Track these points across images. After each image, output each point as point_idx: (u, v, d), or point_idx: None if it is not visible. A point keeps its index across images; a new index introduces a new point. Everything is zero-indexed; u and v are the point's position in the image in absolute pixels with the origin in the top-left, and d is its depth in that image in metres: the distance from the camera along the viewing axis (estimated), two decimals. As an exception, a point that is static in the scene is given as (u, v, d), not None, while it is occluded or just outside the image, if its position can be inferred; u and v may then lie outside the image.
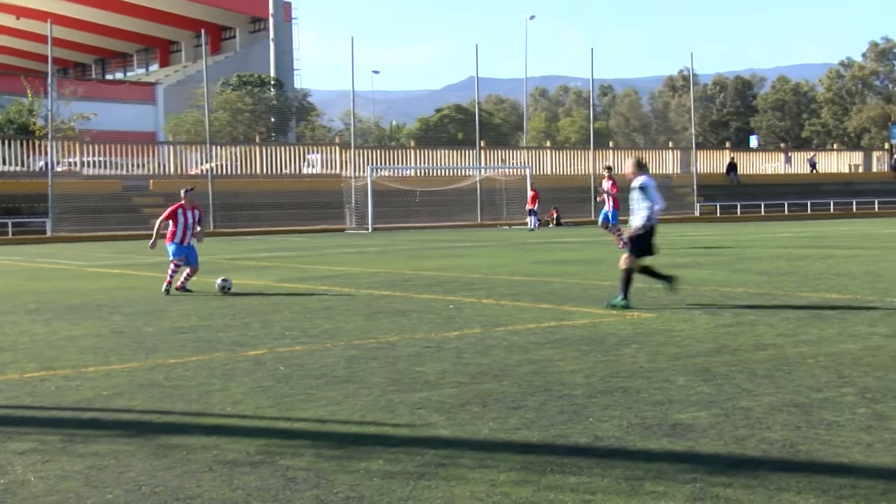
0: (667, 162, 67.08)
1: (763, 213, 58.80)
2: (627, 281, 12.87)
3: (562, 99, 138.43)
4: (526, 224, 47.23)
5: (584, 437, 6.14)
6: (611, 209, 27.32)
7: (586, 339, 10.19)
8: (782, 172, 70.08)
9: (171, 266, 16.62)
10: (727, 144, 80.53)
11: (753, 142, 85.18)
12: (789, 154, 73.59)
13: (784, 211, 60.21)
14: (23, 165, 52.61)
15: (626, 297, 12.77)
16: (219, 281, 16.01)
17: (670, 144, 75.63)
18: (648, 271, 13.16)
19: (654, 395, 7.35)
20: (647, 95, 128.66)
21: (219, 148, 57.71)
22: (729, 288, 15.18)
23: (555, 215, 53.11)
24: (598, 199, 22.92)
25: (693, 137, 64.56)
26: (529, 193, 47.39)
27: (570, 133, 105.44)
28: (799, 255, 22.32)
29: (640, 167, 13.61)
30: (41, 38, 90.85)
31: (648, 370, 8.34)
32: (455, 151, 63.09)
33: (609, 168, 28.21)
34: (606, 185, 27.46)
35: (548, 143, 73.14)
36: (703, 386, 7.62)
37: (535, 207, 47.33)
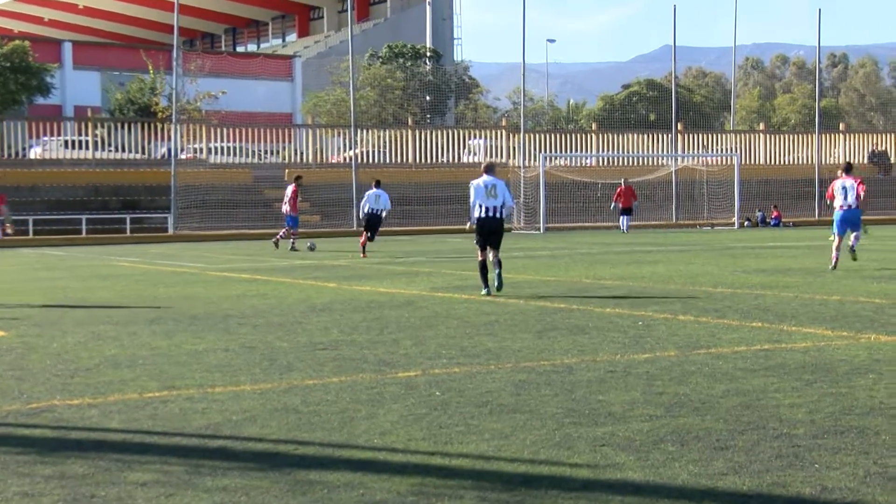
0: (912, 148, 64.72)
1: None
2: None
3: (779, 72, 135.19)
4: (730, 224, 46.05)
5: (808, 486, 5.99)
6: None
7: (809, 366, 9.93)
8: None
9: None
10: None
11: None
12: None
13: None
14: (143, 152, 54.89)
15: None
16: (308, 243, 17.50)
17: (917, 127, 72.93)
18: None
19: (896, 438, 7.11)
20: (888, 66, 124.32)
21: (365, 132, 58.86)
22: None
23: (758, 213, 52.14)
24: None
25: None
26: (619, 188, 46.31)
27: (790, 113, 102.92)
28: None
29: None
30: (165, 6, 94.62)
31: (891, 406, 8.06)
32: (646, 136, 62.52)
33: None
34: None
35: (761, 126, 71.63)
36: (960, 428, 7.33)
37: (633, 205, 46.19)
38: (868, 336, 11.85)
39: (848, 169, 23.16)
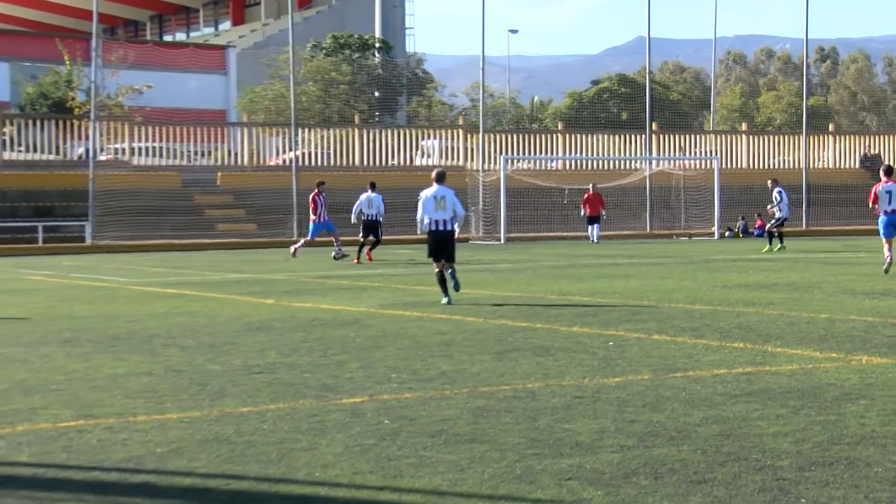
0: (909, 152, 65.34)
1: None
2: None
3: (763, 67, 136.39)
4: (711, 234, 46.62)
5: (793, 524, 6.02)
6: None
7: (795, 391, 10.00)
8: None
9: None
10: None
11: None
12: None
13: None
14: (58, 153, 54.43)
15: None
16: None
17: (914, 128, 73.82)
18: None
19: (891, 469, 7.17)
20: (882, 61, 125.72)
21: (307, 131, 58.70)
22: None
23: (740, 223, 52.48)
24: None
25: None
26: (587, 194, 46.83)
27: (774, 112, 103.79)
28: None
29: None
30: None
31: (883, 435, 8.14)
32: (617, 137, 62.78)
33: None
34: None
35: (743, 127, 72.18)
36: (959, 459, 7.42)
37: (601, 214, 46.64)
38: (859, 358, 11.95)
39: (889, 172, 24.76)
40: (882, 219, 24.23)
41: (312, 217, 34.02)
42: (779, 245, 36.56)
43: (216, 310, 18.60)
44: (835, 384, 10.34)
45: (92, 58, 51.85)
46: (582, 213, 47.19)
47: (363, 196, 32.34)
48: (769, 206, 38.40)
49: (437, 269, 19.11)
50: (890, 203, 24.16)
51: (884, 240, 24.12)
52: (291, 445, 8.08)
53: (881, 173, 25.11)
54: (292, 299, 20.32)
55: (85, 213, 47.27)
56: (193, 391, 10.48)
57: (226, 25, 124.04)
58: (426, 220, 19.07)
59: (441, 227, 19.01)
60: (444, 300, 18.65)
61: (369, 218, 31.95)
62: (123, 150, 54.65)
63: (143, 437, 8.44)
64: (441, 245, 18.99)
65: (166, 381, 11.07)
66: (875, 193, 24.39)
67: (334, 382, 10.85)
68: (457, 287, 19.07)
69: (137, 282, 26.20)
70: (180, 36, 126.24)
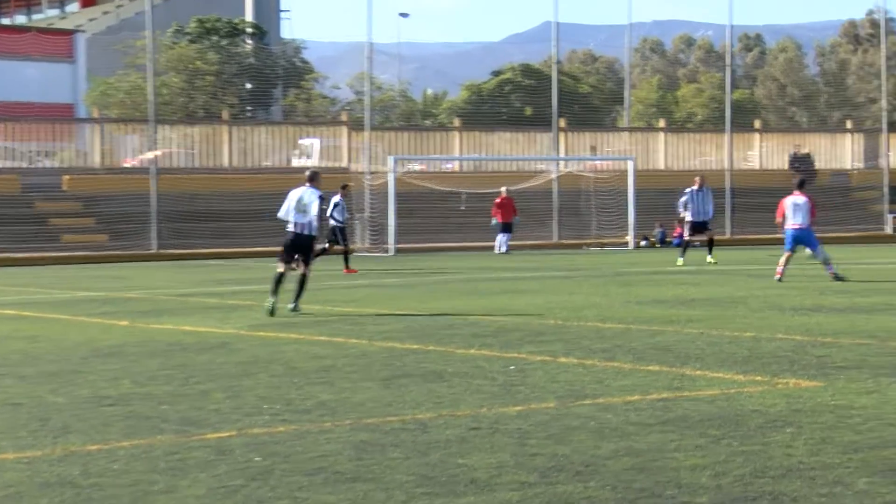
0: (843, 151, 66.51)
1: None
2: None
3: (683, 56, 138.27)
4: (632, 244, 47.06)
5: (710, 567, 6.11)
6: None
7: (716, 418, 10.14)
8: None
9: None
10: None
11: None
12: None
13: None
14: None
15: None
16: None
17: (849, 125, 75.18)
18: None
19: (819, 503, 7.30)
20: (813, 51, 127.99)
21: (168, 128, 58.21)
22: (936, 343, 15.07)
23: (658, 231, 52.95)
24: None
25: (884, 115, 63.90)
26: (500, 197, 47.26)
27: (695, 107, 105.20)
28: None
29: None
30: None
31: (811, 467, 8.28)
32: (520, 135, 63.15)
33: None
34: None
35: (661, 123, 73.05)
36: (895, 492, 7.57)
37: (514, 220, 47.10)
38: (786, 381, 12.13)
39: (801, 185, 26.96)
40: (788, 232, 26.46)
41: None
42: (679, 259, 35.53)
43: (61, 333, 18.39)
44: (759, 410, 10.48)
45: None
46: (494, 221, 47.03)
47: (334, 199, 33.52)
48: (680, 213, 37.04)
49: (280, 271, 20.55)
50: (794, 217, 26.25)
51: (786, 253, 26.38)
52: (147, 488, 8.01)
53: (794, 187, 27.10)
54: (150, 320, 20.15)
55: None
56: (33, 427, 10.34)
57: (73, 7, 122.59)
58: (289, 221, 20.72)
59: (300, 231, 20.68)
60: (271, 300, 20.07)
61: (339, 223, 33.77)
62: (-47, 150, 53.76)
63: (-26, 481, 8.32)
64: (298, 249, 20.70)
65: (1, 417, 10.93)
66: (783, 207, 26.45)
67: (197, 415, 10.78)
68: (296, 307, 20.51)
69: (-30, 301, 25.82)
70: (20, 19, 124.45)
